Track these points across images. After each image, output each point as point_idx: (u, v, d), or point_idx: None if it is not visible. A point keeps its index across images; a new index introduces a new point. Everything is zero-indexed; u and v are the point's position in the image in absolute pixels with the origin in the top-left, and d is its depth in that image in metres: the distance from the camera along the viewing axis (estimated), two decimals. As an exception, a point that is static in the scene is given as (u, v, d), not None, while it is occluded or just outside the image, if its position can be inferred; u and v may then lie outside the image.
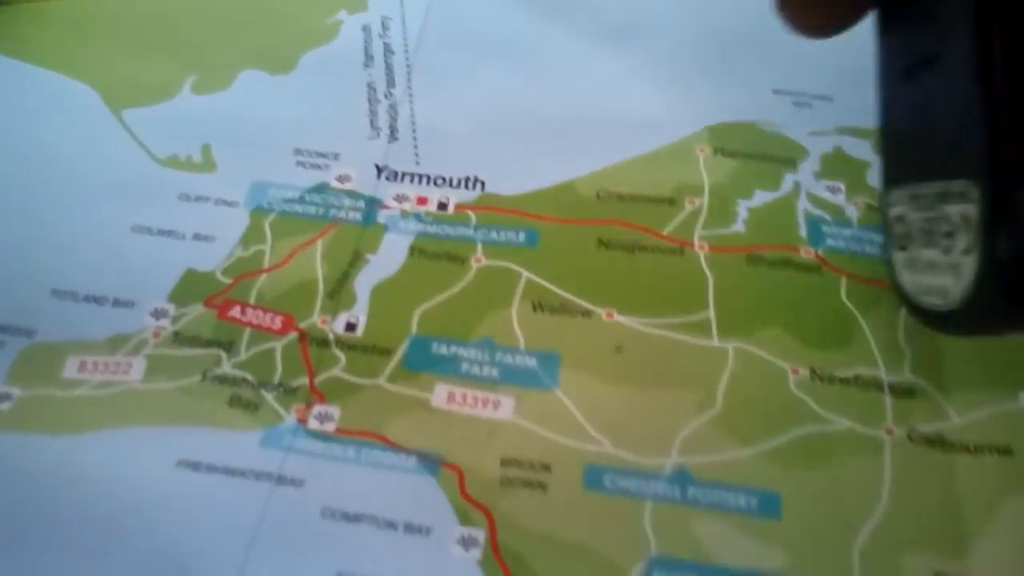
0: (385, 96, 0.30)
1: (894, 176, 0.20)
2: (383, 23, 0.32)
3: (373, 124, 0.30)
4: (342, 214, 0.28)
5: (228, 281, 0.26)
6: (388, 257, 0.27)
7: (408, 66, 0.31)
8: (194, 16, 0.33)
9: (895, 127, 0.20)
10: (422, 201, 0.28)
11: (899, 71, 0.20)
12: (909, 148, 0.19)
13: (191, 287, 0.26)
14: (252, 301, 0.26)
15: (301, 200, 0.28)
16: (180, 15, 0.33)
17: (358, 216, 0.28)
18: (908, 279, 0.20)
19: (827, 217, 0.27)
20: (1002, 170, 0.16)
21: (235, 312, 0.25)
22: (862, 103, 0.29)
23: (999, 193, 0.16)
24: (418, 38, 0.32)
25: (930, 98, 0.18)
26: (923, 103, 0.18)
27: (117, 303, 0.26)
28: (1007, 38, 0.16)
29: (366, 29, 0.32)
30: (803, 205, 0.27)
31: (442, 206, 0.28)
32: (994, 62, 0.16)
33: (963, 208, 0.17)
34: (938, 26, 0.18)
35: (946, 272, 0.18)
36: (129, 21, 0.33)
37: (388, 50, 0.31)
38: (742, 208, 0.27)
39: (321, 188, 0.28)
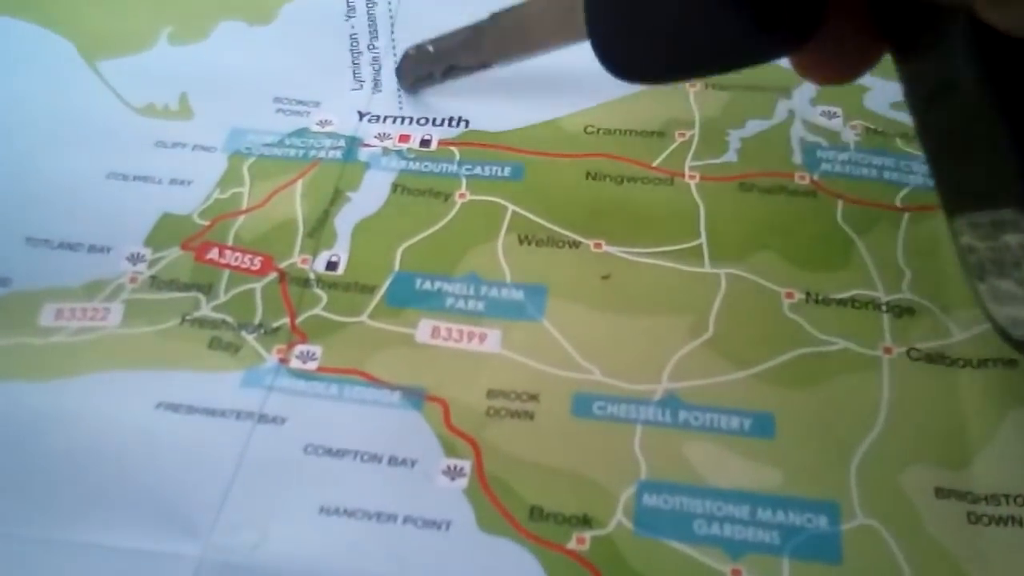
0: (368, 48, 0.30)
1: (949, 205, 0.18)
2: (366, -27, 0.31)
3: (356, 76, 0.29)
4: (322, 154, 0.27)
5: (205, 223, 0.25)
6: (370, 195, 0.26)
7: (391, 17, 0.30)
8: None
9: (936, 154, 0.18)
10: (404, 139, 0.27)
11: (922, 98, 0.17)
12: (953, 174, 0.17)
13: (168, 231, 0.25)
14: (230, 243, 0.25)
15: (280, 144, 0.27)
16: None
17: (338, 155, 0.27)
18: (997, 311, 0.17)
19: (823, 142, 0.26)
20: None
21: (213, 254, 0.25)
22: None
23: None
24: (401, -12, 0.31)
25: (957, 123, 0.16)
26: (952, 129, 0.17)
27: (92, 249, 0.25)
28: (1012, 63, 0.15)
29: (347, -22, 0.31)
30: (798, 132, 0.26)
31: (425, 143, 0.27)
32: (1008, 89, 0.15)
33: (1019, 238, 0.15)
34: (946, 53, 0.16)
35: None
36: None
37: (370, 1, 0.31)
38: (734, 138, 0.26)
39: (301, 132, 0.28)
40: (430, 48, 0.27)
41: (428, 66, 0.27)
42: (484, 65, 0.26)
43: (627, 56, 0.19)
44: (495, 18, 0.25)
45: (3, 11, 0.31)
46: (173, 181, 0.26)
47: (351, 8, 0.31)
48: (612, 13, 0.19)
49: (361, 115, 0.28)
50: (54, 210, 0.26)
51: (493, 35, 0.25)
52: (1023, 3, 0.12)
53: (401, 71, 0.28)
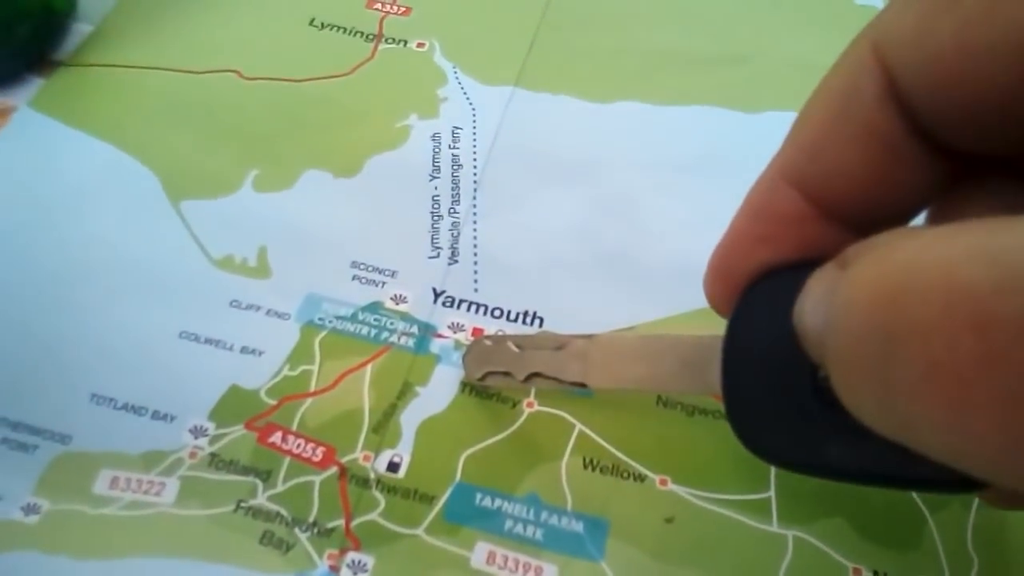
0: (449, 212, 0.30)
1: None
2: (453, 133, 0.32)
3: (434, 242, 0.29)
4: (394, 338, 0.27)
5: (272, 402, 0.25)
6: (438, 391, 0.26)
7: (475, 182, 0.30)
8: (265, 107, 0.32)
9: None
10: (477, 333, 0.27)
11: None
12: None
13: (234, 405, 0.25)
14: (295, 427, 0.25)
15: (354, 318, 0.27)
16: (251, 103, 0.32)
17: (411, 343, 0.27)
18: None
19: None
20: None
21: (276, 438, 0.25)
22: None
23: None
24: (487, 153, 0.31)
25: None
26: None
27: (156, 415, 0.25)
28: None
29: (435, 138, 0.31)
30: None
31: (498, 340, 0.27)
32: None
33: None
34: None
35: None
36: (199, 103, 0.32)
37: (456, 163, 0.31)
38: (810, 378, 0.26)
39: (375, 307, 0.28)
40: (512, 346, 0.24)
41: (506, 363, 0.24)
42: (581, 385, 0.23)
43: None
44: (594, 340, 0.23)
45: (86, 130, 0.31)
46: (244, 349, 0.26)
47: (436, 168, 0.31)
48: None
49: (436, 294, 0.28)
50: (123, 366, 0.26)
51: (595, 357, 0.23)
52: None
53: (469, 359, 0.26)
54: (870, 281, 0.12)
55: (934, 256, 0.11)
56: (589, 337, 0.23)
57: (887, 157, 0.15)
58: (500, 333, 0.27)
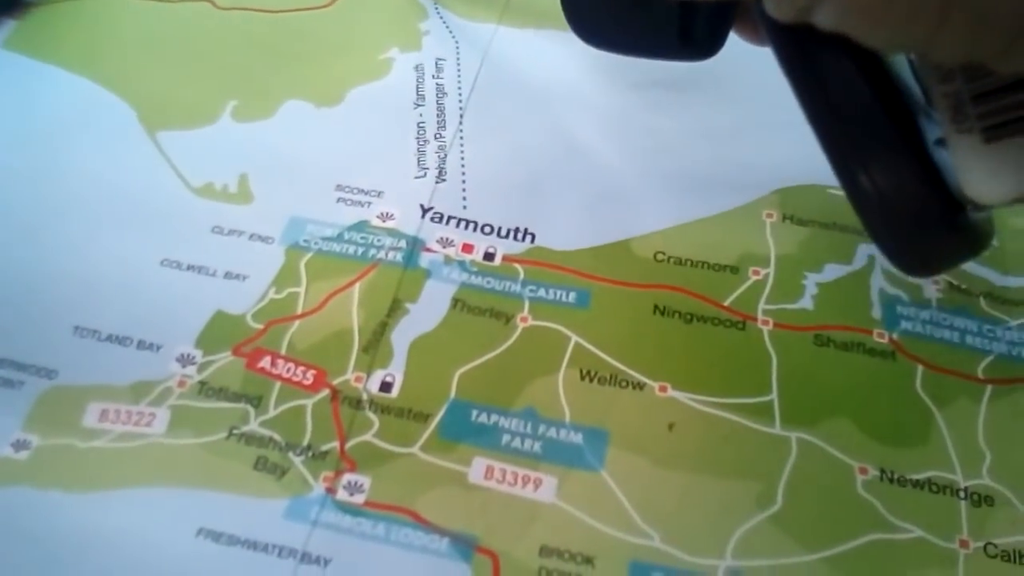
0: (435, 137, 0.29)
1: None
2: (437, 64, 0.31)
3: (420, 163, 0.28)
4: (382, 254, 0.26)
5: (259, 326, 0.25)
6: (429, 307, 0.25)
7: (461, 109, 0.30)
8: (242, 37, 0.31)
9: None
10: (467, 248, 0.26)
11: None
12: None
13: (220, 331, 0.24)
14: (283, 351, 0.24)
15: (340, 238, 0.27)
16: (227, 34, 0.31)
17: (399, 257, 0.26)
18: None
19: (904, 296, 0.25)
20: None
21: (265, 363, 0.24)
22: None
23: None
24: (472, 83, 0.30)
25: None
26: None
27: (142, 345, 0.24)
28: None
29: (419, 68, 0.31)
30: (878, 282, 0.25)
31: (489, 256, 0.26)
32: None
33: None
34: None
35: None
36: (173, 33, 0.31)
37: (441, 91, 0.30)
38: (810, 282, 0.25)
39: (361, 226, 0.27)
40: None
41: None
42: None
43: (586, 22, 0.21)
44: None
45: (60, 64, 0.30)
46: (228, 275, 0.26)
47: (420, 97, 0.30)
48: None
49: (424, 210, 0.27)
50: (105, 297, 0.25)
51: None
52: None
53: None
54: None
55: None
56: None
57: None
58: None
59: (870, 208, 0.16)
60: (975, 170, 0.15)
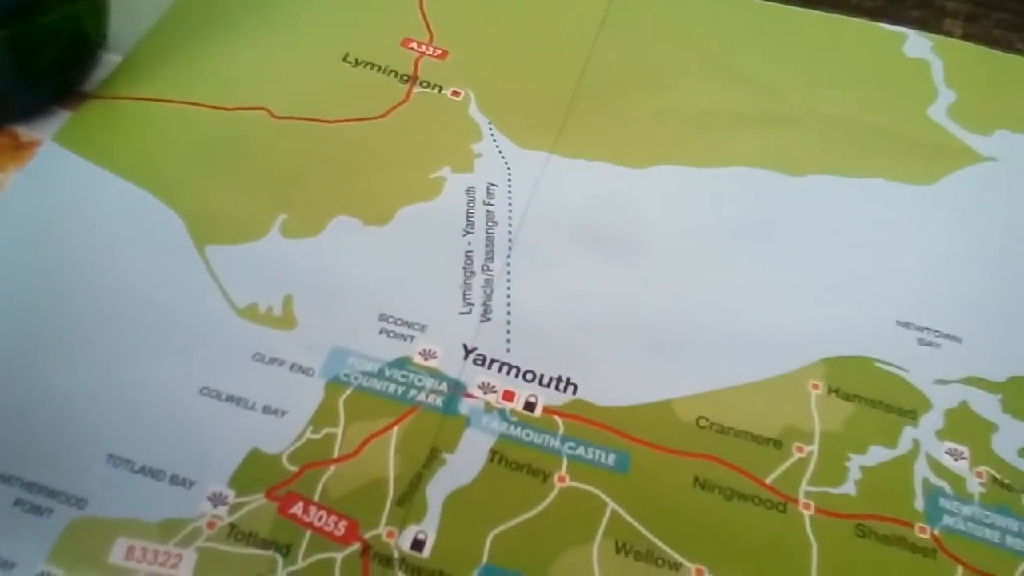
0: (483, 269, 0.29)
1: None
2: (488, 190, 0.31)
3: (466, 297, 0.28)
4: (422, 396, 0.26)
5: (294, 469, 0.24)
6: (466, 459, 0.25)
7: (510, 241, 0.29)
8: (296, 148, 0.31)
9: None
10: (508, 396, 0.26)
11: None
12: None
13: (255, 471, 0.24)
14: (317, 497, 0.24)
15: (380, 375, 0.26)
16: (282, 143, 0.31)
17: (439, 401, 0.26)
18: None
19: (947, 489, 0.25)
20: None
21: (297, 509, 0.24)
22: (996, 349, 0.27)
23: None
24: (523, 214, 0.30)
25: None
26: None
27: (175, 480, 0.24)
28: None
29: (470, 192, 0.30)
30: (921, 471, 0.25)
31: (529, 406, 0.26)
32: None
33: None
34: None
35: None
36: (228, 142, 0.31)
37: (491, 219, 0.30)
38: (854, 465, 0.25)
39: (403, 363, 0.27)
40: None
41: None
42: None
43: None
44: None
45: (111, 168, 0.30)
46: (267, 408, 0.25)
47: (470, 223, 0.30)
48: None
49: (467, 351, 0.27)
50: (143, 425, 0.25)
51: None
52: None
53: None
54: None
55: None
56: None
57: None
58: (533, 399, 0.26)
59: None
60: None
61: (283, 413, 0.25)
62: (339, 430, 0.25)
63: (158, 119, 0.32)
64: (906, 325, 0.28)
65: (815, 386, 0.27)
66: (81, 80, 0.33)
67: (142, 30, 0.35)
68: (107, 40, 0.34)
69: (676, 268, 0.29)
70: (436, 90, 0.33)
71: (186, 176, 0.30)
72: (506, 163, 0.32)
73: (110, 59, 0.34)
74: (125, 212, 0.29)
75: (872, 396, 0.26)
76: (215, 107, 0.32)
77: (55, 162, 0.30)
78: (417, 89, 0.33)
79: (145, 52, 0.34)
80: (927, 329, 0.28)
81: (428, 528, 0.24)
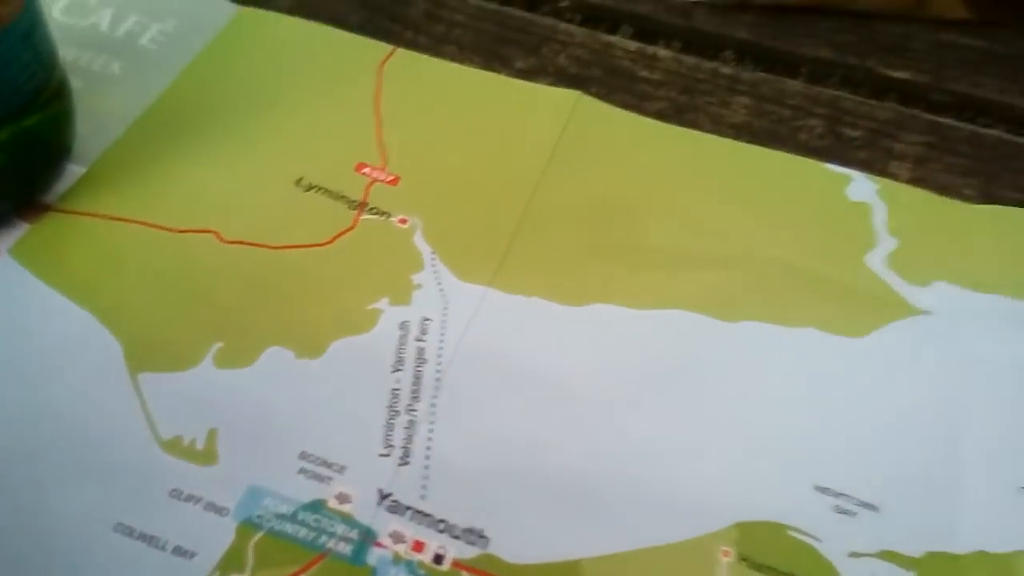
0: (407, 409, 0.29)
1: None
2: (422, 325, 0.31)
3: (387, 439, 0.29)
4: (332, 543, 0.26)
5: (196, 620, 0.25)
6: (369, 614, 0.25)
7: (437, 380, 0.30)
8: (239, 274, 0.32)
9: None
10: (418, 547, 0.26)
11: None
12: None
13: (155, 619, 0.24)
14: (213, 650, 0.24)
15: (293, 518, 0.27)
16: (226, 269, 0.32)
17: (348, 550, 0.26)
18: None
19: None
20: None
21: (193, 662, 0.24)
22: (914, 522, 0.27)
23: None
24: (454, 352, 0.31)
25: None
26: None
27: (76, 624, 0.24)
28: None
29: (404, 327, 0.31)
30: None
31: (438, 558, 0.26)
32: None
33: None
34: None
35: None
36: (174, 266, 0.32)
37: (421, 357, 0.30)
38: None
39: (317, 506, 0.27)
40: None
41: None
42: None
43: None
44: None
45: (60, 287, 0.31)
46: (177, 550, 0.26)
47: (399, 360, 0.30)
48: None
49: (382, 496, 0.27)
50: (54, 562, 0.25)
51: None
52: None
53: None
54: None
55: None
56: None
57: None
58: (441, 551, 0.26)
59: None
60: None
61: (192, 555, 0.26)
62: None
63: (112, 239, 0.33)
64: (824, 490, 0.28)
65: (726, 553, 0.27)
66: (44, 189, 0.34)
67: (109, 140, 0.36)
68: (71, 151, 0.35)
69: (598, 417, 0.29)
70: (384, 217, 0.34)
71: (130, 300, 0.31)
72: (444, 296, 0.32)
73: (73, 170, 0.35)
74: (67, 334, 0.30)
75: (782, 568, 0.26)
76: (167, 228, 0.33)
77: (8, 277, 0.31)
78: (365, 216, 0.34)
79: (107, 166, 0.35)
80: (844, 496, 0.28)
81: None
